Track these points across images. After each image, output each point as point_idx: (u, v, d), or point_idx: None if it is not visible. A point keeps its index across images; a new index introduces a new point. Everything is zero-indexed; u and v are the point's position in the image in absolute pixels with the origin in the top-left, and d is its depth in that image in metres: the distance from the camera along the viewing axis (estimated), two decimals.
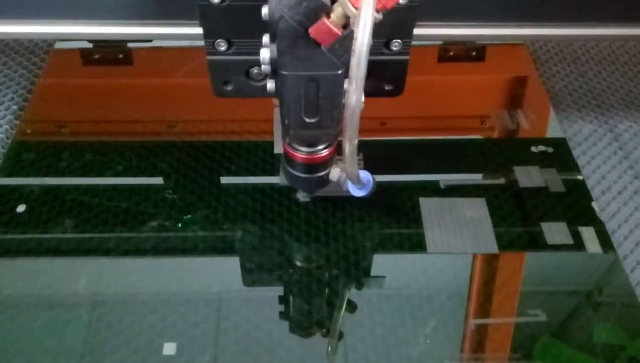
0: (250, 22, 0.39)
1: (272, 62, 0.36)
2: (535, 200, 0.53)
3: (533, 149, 0.57)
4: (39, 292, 0.46)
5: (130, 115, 0.61)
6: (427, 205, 0.52)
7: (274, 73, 0.37)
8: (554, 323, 0.45)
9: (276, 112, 0.60)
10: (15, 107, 0.61)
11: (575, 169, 0.56)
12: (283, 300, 0.46)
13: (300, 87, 0.37)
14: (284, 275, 0.47)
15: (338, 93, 0.37)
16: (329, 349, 0.42)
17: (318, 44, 0.34)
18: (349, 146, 0.36)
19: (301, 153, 0.44)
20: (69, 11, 0.50)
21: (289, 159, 0.45)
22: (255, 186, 0.53)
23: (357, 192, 0.44)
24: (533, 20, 0.51)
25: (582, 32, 0.51)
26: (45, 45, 0.68)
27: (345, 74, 0.36)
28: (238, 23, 0.40)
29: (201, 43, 0.42)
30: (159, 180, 0.54)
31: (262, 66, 0.37)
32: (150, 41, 0.67)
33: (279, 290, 0.46)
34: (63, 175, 0.54)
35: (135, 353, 0.42)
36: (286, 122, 0.39)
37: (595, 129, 0.60)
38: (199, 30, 0.51)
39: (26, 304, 0.45)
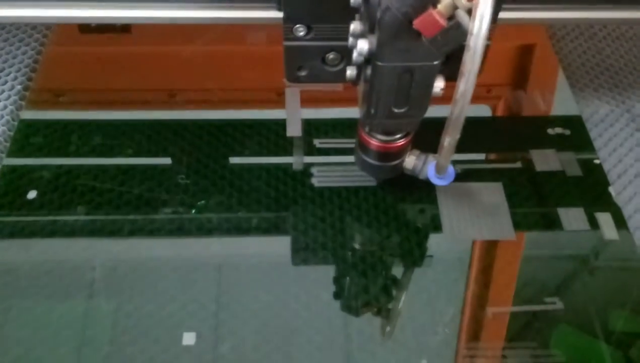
0: (332, 7, 0.39)
1: (370, 54, 0.36)
2: (552, 185, 0.52)
3: (550, 131, 0.56)
4: (56, 283, 0.45)
5: (135, 85, 0.61)
6: (444, 190, 0.51)
7: (367, 63, 0.37)
8: (570, 311, 0.45)
9: (288, 92, 0.59)
10: (19, 87, 0.59)
11: (592, 152, 0.55)
12: (298, 285, 0.46)
13: (394, 77, 0.36)
14: (329, 256, 0.47)
15: (431, 83, 0.37)
16: (387, 329, 0.43)
17: (419, 35, 0.33)
18: (450, 139, 0.36)
19: (378, 141, 0.44)
20: None
21: (364, 147, 0.46)
22: (268, 170, 0.53)
23: (438, 181, 0.44)
24: (552, 3, 0.49)
25: (604, 15, 0.49)
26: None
27: (440, 65, 0.36)
28: (319, 8, 0.40)
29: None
30: (169, 163, 0.54)
31: (355, 57, 0.36)
32: None
33: (301, 277, 0.46)
34: (73, 157, 0.54)
35: (155, 343, 0.42)
36: (372, 111, 0.39)
37: (612, 110, 0.59)
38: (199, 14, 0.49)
39: (44, 296, 0.45)
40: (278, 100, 0.59)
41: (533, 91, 0.61)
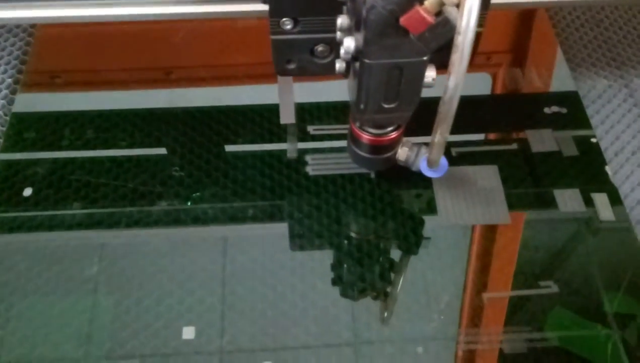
0: (318, 0, 0.38)
1: (357, 51, 0.36)
2: (548, 166, 0.52)
3: (546, 110, 0.56)
4: (54, 279, 0.46)
5: (130, 64, 0.60)
6: None
7: (355, 60, 0.37)
8: (565, 294, 0.45)
9: (281, 79, 0.58)
10: (10, 80, 0.59)
11: (590, 130, 0.54)
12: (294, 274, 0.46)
13: (383, 74, 0.36)
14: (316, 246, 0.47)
15: (420, 78, 0.37)
16: (385, 315, 0.44)
17: (407, 32, 0.33)
18: (440, 137, 0.36)
19: (370, 135, 0.44)
20: None
21: (356, 140, 0.45)
22: (262, 158, 0.53)
23: (431, 173, 0.43)
24: None
25: None
26: None
27: (430, 59, 0.35)
28: (305, 1, 0.39)
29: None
30: (163, 153, 0.53)
31: (342, 54, 0.36)
32: None
33: (295, 268, 0.47)
34: (66, 151, 0.53)
35: (155, 336, 0.43)
36: (361, 107, 0.39)
37: (610, 85, 0.58)
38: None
39: (43, 292, 0.45)
40: (274, 74, 0.58)
41: (531, 66, 0.60)
